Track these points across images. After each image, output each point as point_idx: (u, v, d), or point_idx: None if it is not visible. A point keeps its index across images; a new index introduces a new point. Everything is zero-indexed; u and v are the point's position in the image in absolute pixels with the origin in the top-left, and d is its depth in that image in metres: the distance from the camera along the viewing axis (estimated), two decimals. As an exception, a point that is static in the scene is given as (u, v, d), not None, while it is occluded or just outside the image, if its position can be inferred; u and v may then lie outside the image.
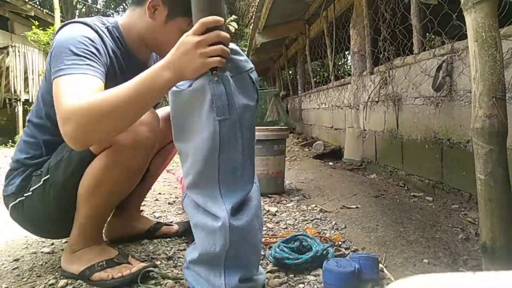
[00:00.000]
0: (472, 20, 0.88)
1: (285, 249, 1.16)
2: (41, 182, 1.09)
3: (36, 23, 8.69)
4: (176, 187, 2.58)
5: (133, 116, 0.91)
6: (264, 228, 1.58)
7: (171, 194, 2.35)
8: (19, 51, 8.12)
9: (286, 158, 2.82)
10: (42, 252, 1.33)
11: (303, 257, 1.11)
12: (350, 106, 3.61)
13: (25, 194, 1.12)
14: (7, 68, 8.06)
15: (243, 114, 0.90)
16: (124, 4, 17.84)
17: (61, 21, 7.89)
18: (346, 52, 7.06)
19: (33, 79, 8.60)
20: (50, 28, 8.41)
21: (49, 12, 10.82)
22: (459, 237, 1.41)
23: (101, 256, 1.10)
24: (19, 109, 8.20)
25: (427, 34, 3.89)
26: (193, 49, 0.83)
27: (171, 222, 1.62)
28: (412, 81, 2.38)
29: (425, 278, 0.38)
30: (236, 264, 0.87)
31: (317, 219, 1.71)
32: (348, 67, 7.80)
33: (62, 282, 1.06)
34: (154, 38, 1.15)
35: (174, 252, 1.30)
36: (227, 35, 0.86)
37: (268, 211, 1.85)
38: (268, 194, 2.19)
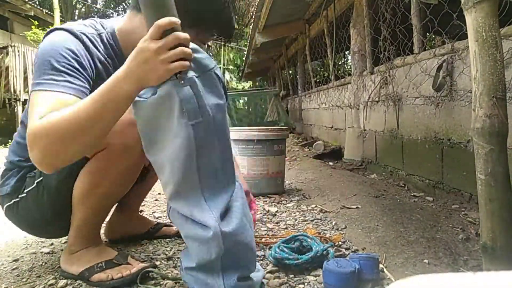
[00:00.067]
0: (473, 19, 0.88)
1: (285, 249, 1.16)
2: (35, 184, 1.08)
3: (36, 23, 8.72)
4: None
5: (100, 130, 0.85)
6: (264, 228, 1.58)
7: (171, 194, 2.34)
8: (18, 51, 8.09)
9: (286, 158, 2.82)
10: (41, 253, 1.33)
11: (303, 257, 1.11)
12: (350, 106, 3.60)
13: (19, 196, 1.11)
14: (7, 68, 8.05)
15: (216, 114, 0.87)
16: (124, 4, 17.82)
17: (61, 21, 7.92)
18: (346, 52, 7.05)
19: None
20: (49, 28, 8.40)
21: (49, 12, 10.85)
22: (460, 237, 1.41)
23: (100, 257, 1.09)
24: (19, 109, 8.18)
25: (428, 33, 3.89)
26: (153, 56, 0.79)
27: (171, 222, 1.62)
28: (412, 81, 2.38)
29: (426, 278, 0.38)
30: (233, 265, 0.87)
31: (317, 219, 1.71)
32: (348, 66, 7.80)
33: (62, 282, 1.06)
34: None
35: (174, 253, 1.30)
36: (186, 35, 0.80)
37: (268, 211, 1.85)
38: (268, 194, 2.18)
